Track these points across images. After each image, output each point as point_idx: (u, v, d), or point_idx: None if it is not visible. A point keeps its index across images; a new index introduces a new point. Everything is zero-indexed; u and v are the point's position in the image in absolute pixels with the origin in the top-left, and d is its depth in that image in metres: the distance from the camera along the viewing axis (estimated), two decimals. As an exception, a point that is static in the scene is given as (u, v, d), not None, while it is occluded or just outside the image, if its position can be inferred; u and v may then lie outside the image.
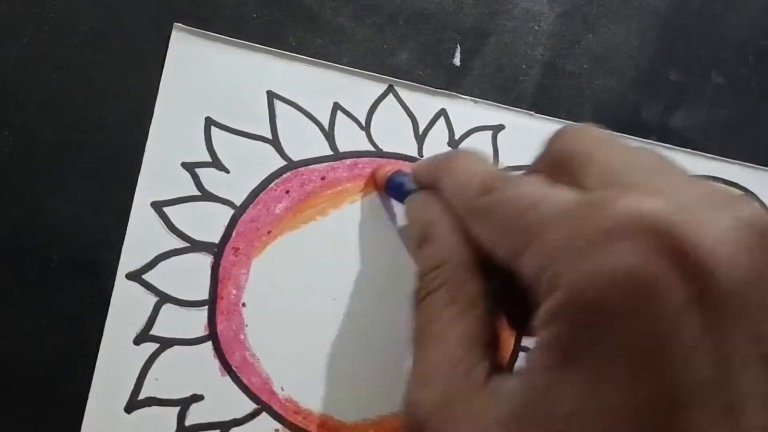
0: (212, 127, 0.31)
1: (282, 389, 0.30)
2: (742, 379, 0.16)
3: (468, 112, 0.34)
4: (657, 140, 0.35)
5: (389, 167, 0.32)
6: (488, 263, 0.21)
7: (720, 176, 0.36)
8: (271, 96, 0.32)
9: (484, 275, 0.22)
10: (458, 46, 0.34)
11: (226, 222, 0.31)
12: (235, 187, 0.31)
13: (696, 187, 0.18)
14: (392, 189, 0.30)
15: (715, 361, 0.16)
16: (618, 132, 0.35)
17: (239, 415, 0.30)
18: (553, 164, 0.21)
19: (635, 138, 0.35)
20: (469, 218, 0.22)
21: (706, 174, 0.36)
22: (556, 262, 0.17)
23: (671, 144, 0.35)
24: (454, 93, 0.33)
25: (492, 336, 0.21)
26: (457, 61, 0.34)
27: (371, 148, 0.32)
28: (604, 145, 0.20)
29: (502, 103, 0.34)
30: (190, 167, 0.31)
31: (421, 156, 0.33)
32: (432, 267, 0.22)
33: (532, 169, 0.22)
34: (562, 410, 0.16)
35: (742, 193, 0.35)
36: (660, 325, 0.16)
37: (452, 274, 0.22)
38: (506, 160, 0.34)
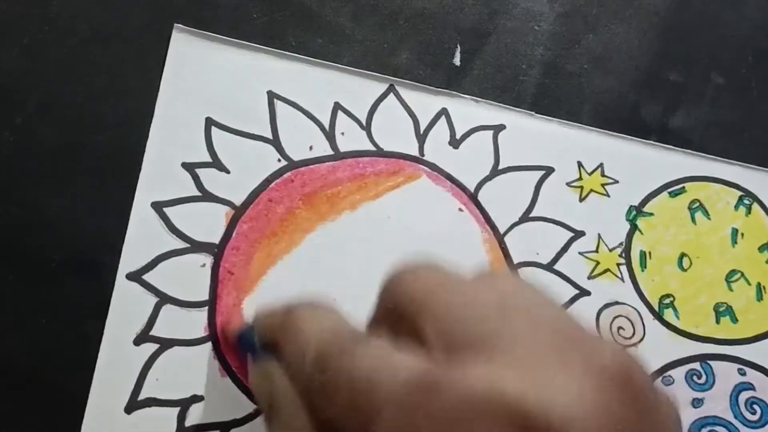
0: (212, 128, 0.31)
1: (282, 390, 0.30)
2: None
3: (469, 111, 0.34)
4: (657, 140, 0.35)
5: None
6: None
7: (720, 176, 0.36)
8: (272, 96, 0.32)
9: None
10: (458, 46, 0.34)
11: (226, 222, 0.31)
12: (236, 187, 0.31)
13: (541, 333, 0.17)
14: (242, 347, 0.28)
15: None
16: (618, 132, 0.35)
17: (239, 415, 0.30)
18: (391, 314, 0.20)
19: (635, 138, 0.35)
20: (309, 394, 0.20)
21: (707, 174, 0.36)
22: None
23: (671, 144, 0.35)
24: (455, 92, 0.33)
25: None
26: (457, 60, 0.34)
27: (372, 148, 0.32)
28: (439, 291, 0.19)
29: (502, 103, 0.34)
30: (190, 167, 0.31)
31: (423, 155, 0.33)
32: None
33: (372, 320, 0.21)
34: None
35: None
36: None
37: None
38: (507, 160, 0.34)
